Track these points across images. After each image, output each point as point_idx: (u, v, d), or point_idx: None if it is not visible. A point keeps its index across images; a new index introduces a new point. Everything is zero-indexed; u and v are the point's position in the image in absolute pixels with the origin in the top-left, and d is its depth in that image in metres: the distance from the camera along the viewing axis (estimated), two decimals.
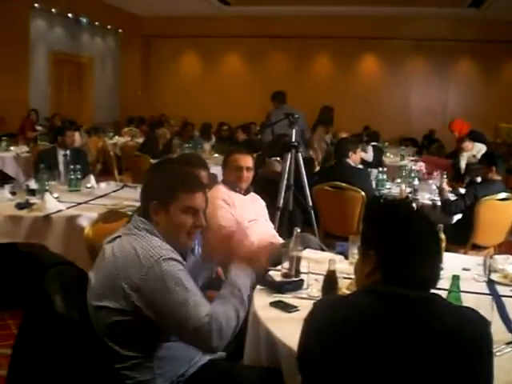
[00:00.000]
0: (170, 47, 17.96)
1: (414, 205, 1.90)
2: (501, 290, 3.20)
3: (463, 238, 5.25)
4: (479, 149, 8.49)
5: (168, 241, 2.31)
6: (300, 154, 5.53)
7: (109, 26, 16.69)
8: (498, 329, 2.56)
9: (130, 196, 5.24)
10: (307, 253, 3.51)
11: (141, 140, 11.09)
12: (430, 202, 5.94)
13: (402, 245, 1.72)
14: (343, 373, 1.63)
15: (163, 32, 17.38)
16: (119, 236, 2.31)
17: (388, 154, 10.30)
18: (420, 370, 1.59)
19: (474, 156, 8.31)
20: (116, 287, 2.15)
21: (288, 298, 2.82)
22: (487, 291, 3.13)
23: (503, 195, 5.38)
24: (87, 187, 5.81)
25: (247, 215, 4.14)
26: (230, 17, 16.10)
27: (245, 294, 2.30)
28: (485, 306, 2.45)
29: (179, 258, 2.23)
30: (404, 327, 1.62)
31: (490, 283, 3.28)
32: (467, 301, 2.55)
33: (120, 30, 17.35)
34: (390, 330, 1.62)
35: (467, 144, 8.57)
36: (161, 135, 9.94)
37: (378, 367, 1.60)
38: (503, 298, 3.04)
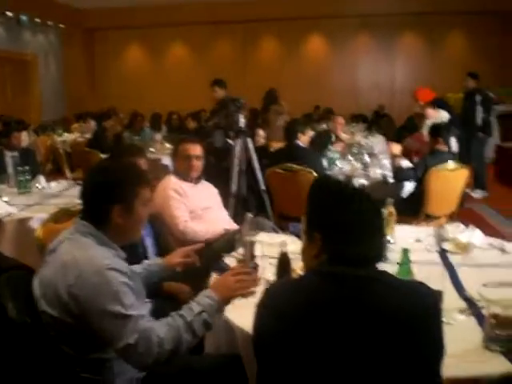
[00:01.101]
0: (114, 39, 17.71)
1: (356, 184, 1.92)
2: (452, 258, 3.26)
3: (416, 209, 5.33)
4: (442, 116, 8.38)
5: (123, 239, 2.31)
6: (249, 139, 5.53)
7: (50, 22, 16.32)
8: (451, 297, 2.61)
9: None
10: (261, 237, 3.51)
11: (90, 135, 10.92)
12: (381, 177, 6.01)
13: (346, 225, 1.74)
14: (295, 355, 1.65)
15: (106, 24, 17.11)
16: (62, 241, 2.25)
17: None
18: (370, 348, 1.60)
19: None
20: (56, 295, 2.11)
21: None
22: (439, 261, 3.19)
23: (453, 165, 5.48)
24: (38, 188, 5.70)
25: (200, 204, 4.14)
26: (173, 5, 15.94)
27: (198, 321, 2.17)
28: (437, 276, 2.49)
29: (123, 268, 2.17)
30: (351, 306, 1.64)
31: (442, 253, 3.34)
32: (419, 272, 2.58)
33: (61, 25, 16.99)
34: (338, 310, 1.64)
35: (430, 111, 8.48)
36: (109, 128, 9.80)
37: (327, 347, 1.61)
38: (455, 267, 3.11)
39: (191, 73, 16.99)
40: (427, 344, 1.67)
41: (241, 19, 16.21)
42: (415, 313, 1.66)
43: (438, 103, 8.69)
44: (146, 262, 2.88)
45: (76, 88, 17.20)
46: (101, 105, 15.86)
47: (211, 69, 15.63)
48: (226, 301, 2.31)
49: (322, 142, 6.05)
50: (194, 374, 2.36)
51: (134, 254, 2.44)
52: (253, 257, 3.08)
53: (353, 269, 1.70)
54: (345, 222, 1.74)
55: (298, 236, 3.53)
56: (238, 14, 15.96)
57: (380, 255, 1.80)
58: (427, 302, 1.72)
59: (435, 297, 1.79)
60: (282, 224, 4.92)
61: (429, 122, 8.17)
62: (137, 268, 2.74)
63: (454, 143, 6.46)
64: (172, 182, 4.12)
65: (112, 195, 2.27)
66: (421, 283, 1.83)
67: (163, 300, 2.87)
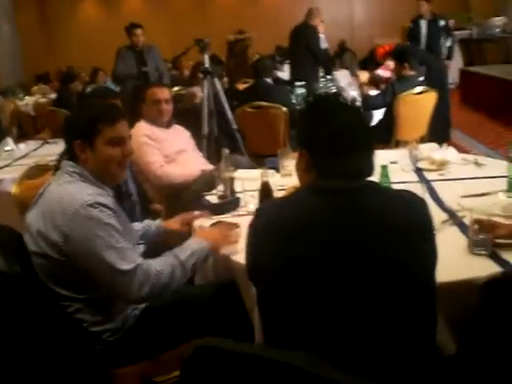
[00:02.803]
0: None
1: (343, 98, 1.88)
2: (429, 175, 3.31)
3: (386, 136, 5.37)
4: None
5: (100, 177, 2.29)
6: (216, 80, 5.47)
7: None
8: (432, 210, 2.61)
9: (52, 151, 5.07)
10: (239, 173, 3.51)
11: (52, 96, 10.75)
12: None
13: (330, 138, 1.71)
14: (293, 271, 1.63)
15: None
16: (50, 183, 2.27)
17: None
18: (368, 257, 1.60)
19: None
20: (45, 235, 2.13)
21: (227, 218, 2.84)
22: (416, 179, 3.23)
23: (419, 89, 5.50)
24: (6, 150, 5.61)
25: (174, 147, 4.10)
26: None
27: (190, 261, 2.29)
28: (416, 192, 2.54)
29: (108, 203, 2.18)
30: (347, 217, 1.63)
31: (418, 171, 3.39)
32: None
33: None
34: (333, 222, 1.63)
35: (389, 63, 8.11)
36: (74, 89, 9.66)
37: (325, 259, 1.60)
38: (432, 183, 3.16)
39: (149, 25, 16.58)
40: (424, 249, 1.70)
41: None
42: (412, 220, 1.68)
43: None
44: (146, 222, 2.92)
45: (32, 50, 16.79)
46: (59, 65, 15.56)
47: (169, 18, 15.42)
48: (213, 249, 2.43)
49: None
50: (188, 304, 2.40)
51: (118, 195, 2.46)
52: (233, 192, 3.10)
53: (344, 181, 1.68)
54: (331, 136, 1.71)
55: (275, 169, 3.54)
56: None
57: (370, 168, 1.77)
58: (421, 209, 1.74)
59: (426, 203, 1.79)
60: (256, 162, 4.92)
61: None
62: (136, 226, 2.80)
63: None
64: (143, 128, 4.05)
65: (72, 130, 2.30)
66: (410, 192, 1.83)
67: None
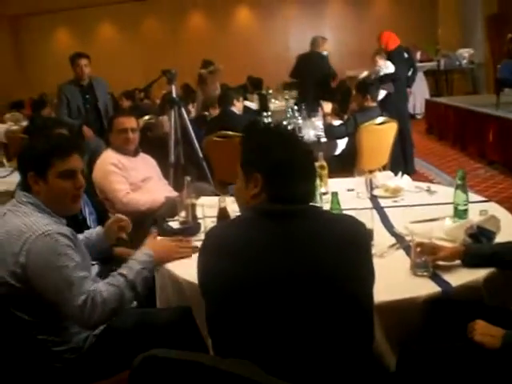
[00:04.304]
0: (41, 25, 17.28)
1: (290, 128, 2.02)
2: (383, 202, 3.46)
3: (349, 166, 5.53)
4: (388, 67, 7.83)
5: (53, 209, 2.36)
6: (183, 110, 5.60)
7: None
8: (381, 235, 2.81)
9: None
10: (202, 200, 3.62)
11: (24, 123, 10.79)
12: (315, 139, 6.16)
13: (286, 165, 1.82)
14: (239, 289, 1.72)
15: (32, 10, 16.66)
16: (4, 213, 2.33)
17: (273, 101, 10.48)
18: (310, 276, 1.71)
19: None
20: (3, 264, 2.19)
21: None
22: (370, 206, 3.37)
23: (380, 119, 5.70)
24: None
25: (139, 175, 4.20)
26: None
27: (138, 278, 2.35)
28: (366, 217, 2.68)
29: (64, 231, 2.26)
30: (290, 237, 1.75)
31: (373, 198, 3.54)
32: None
33: None
34: (278, 242, 1.74)
35: (378, 60, 7.92)
36: (45, 116, 9.72)
37: (269, 277, 1.71)
38: (386, 209, 3.31)
39: (122, 52, 16.80)
40: (360, 269, 1.81)
41: None
42: (348, 238, 1.80)
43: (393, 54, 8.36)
44: (87, 231, 3.00)
45: (5, 77, 16.78)
46: (34, 93, 15.60)
47: (141, 47, 15.61)
48: (161, 261, 2.52)
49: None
50: (147, 327, 2.47)
51: (74, 223, 2.55)
52: (195, 218, 3.21)
53: (291, 205, 1.80)
54: (286, 162, 1.82)
55: None
56: None
57: (313, 195, 1.94)
58: (358, 229, 1.87)
59: (363, 225, 1.93)
60: (223, 191, 5.03)
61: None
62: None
63: (381, 95, 6.71)
64: (110, 156, 4.17)
65: (26, 162, 2.37)
66: (349, 215, 2.00)
67: (114, 263, 2.96)
